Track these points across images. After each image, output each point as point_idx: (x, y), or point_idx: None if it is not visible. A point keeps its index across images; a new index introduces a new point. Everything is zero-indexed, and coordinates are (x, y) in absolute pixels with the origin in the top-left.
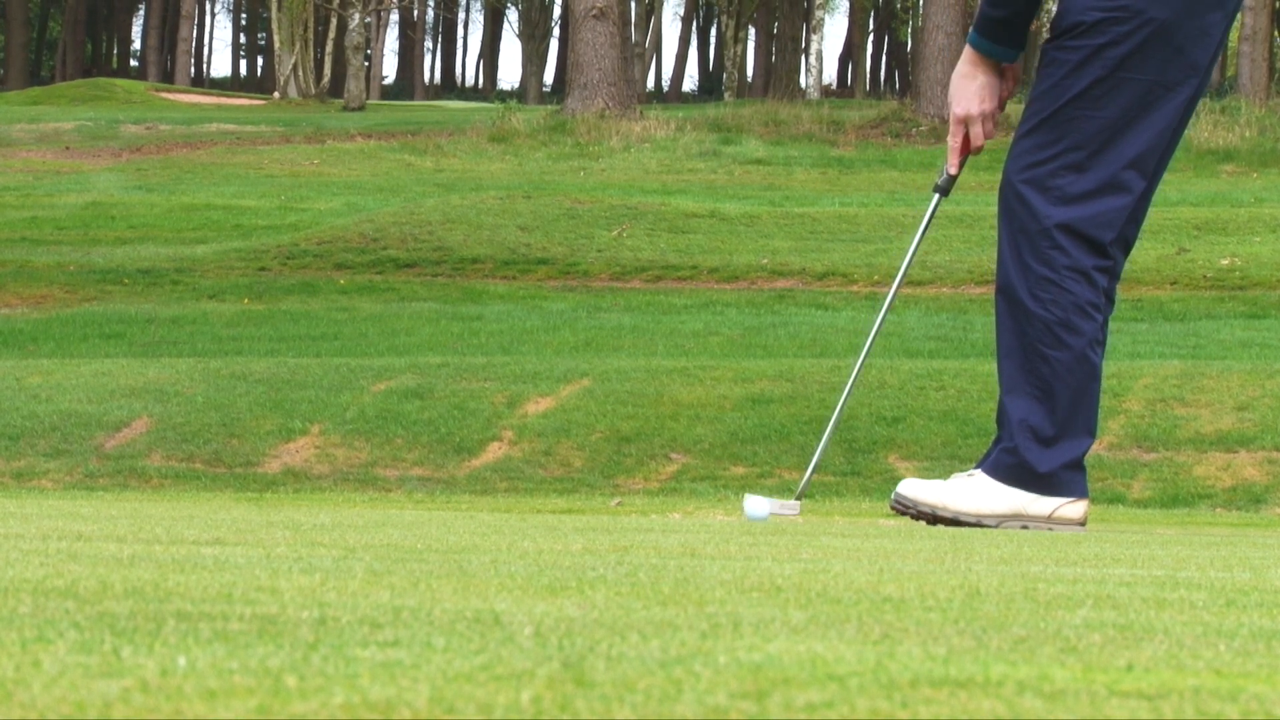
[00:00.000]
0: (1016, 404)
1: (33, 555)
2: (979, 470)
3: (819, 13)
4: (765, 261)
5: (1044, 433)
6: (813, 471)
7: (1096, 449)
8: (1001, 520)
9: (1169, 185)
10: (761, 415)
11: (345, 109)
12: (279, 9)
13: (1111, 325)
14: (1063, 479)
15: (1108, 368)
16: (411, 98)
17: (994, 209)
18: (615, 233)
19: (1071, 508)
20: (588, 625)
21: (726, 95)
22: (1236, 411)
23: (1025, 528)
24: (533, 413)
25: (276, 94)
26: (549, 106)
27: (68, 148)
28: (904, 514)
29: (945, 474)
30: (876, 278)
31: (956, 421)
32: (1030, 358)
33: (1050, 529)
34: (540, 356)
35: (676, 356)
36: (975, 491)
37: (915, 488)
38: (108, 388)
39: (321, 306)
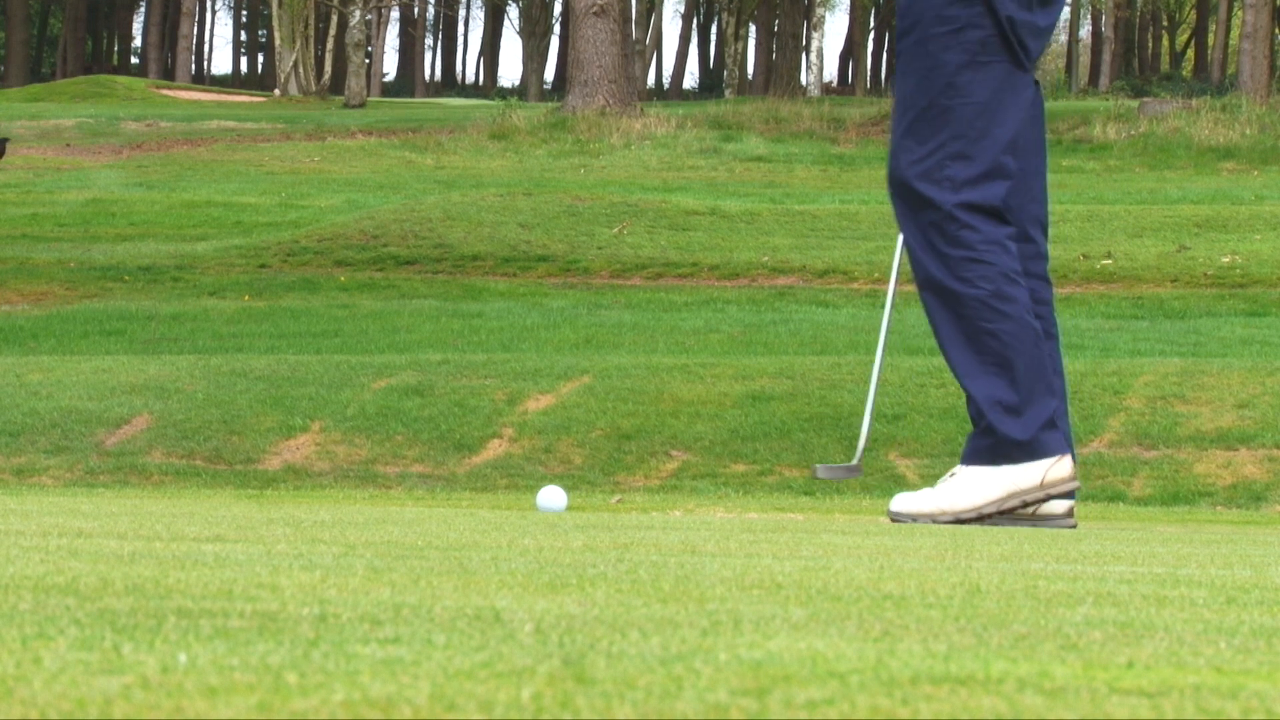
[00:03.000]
0: (979, 385)
1: (33, 552)
2: (961, 467)
3: (820, 10)
4: (766, 259)
5: (1011, 403)
6: (866, 439)
7: (1097, 446)
8: (1001, 504)
9: (1169, 183)
10: (762, 413)
11: (346, 106)
12: (280, 6)
13: (1112, 323)
14: (1042, 440)
15: (1107, 365)
16: (412, 95)
17: None
18: (616, 230)
19: (1059, 466)
20: (588, 622)
21: (727, 92)
22: (1237, 409)
23: (1026, 505)
24: (533, 410)
25: (277, 91)
26: (549, 104)
27: (68, 144)
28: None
29: (945, 471)
30: (877, 275)
31: (957, 419)
32: (976, 338)
33: (1047, 496)
34: (541, 354)
35: (677, 354)
36: (965, 487)
37: (908, 502)
38: (108, 384)
39: (322, 303)
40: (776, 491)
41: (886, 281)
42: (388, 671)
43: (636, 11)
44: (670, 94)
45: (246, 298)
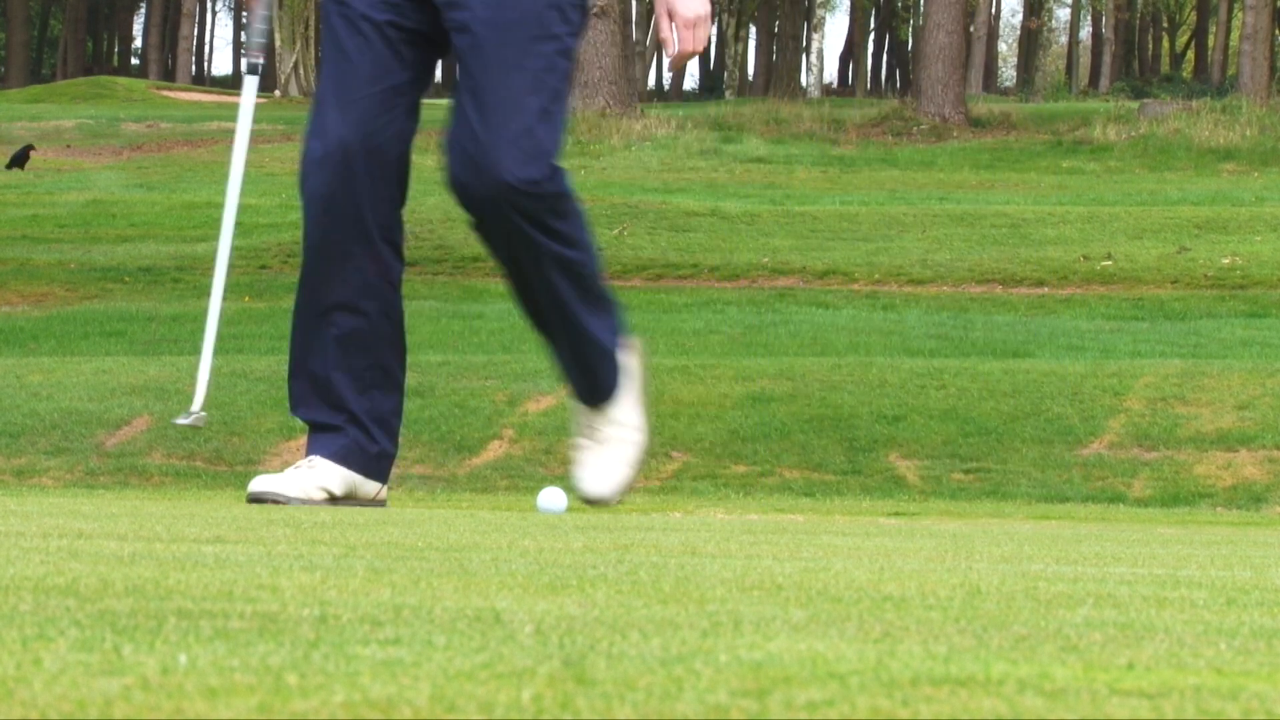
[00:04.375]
0: (597, 323)
1: (33, 553)
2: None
3: (820, 11)
4: (766, 260)
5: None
6: (206, 383)
7: (1098, 447)
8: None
9: (1169, 184)
10: (762, 414)
11: None
12: (280, 7)
13: (1112, 324)
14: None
15: (1108, 366)
16: None
17: (994, 208)
18: (616, 231)
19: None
20: (588, 623)
21: (727, 94)
22: (1237, 410)
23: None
24: (533, 411)
25: (278, 92)
26: None
27: (69, 145)
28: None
29: (947, 471)
30: (877, 276)
31: (957, 420)
32: (595, 293)
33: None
34: (541, 355)
35: (677, 355)
36: (608, 465)
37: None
38: (108, 385)
39: None
40: (777, 493)
41: (888, 283)
42: (388, 673)
43: (637, 12)
44: (670, 95)
45: (247, 299)
